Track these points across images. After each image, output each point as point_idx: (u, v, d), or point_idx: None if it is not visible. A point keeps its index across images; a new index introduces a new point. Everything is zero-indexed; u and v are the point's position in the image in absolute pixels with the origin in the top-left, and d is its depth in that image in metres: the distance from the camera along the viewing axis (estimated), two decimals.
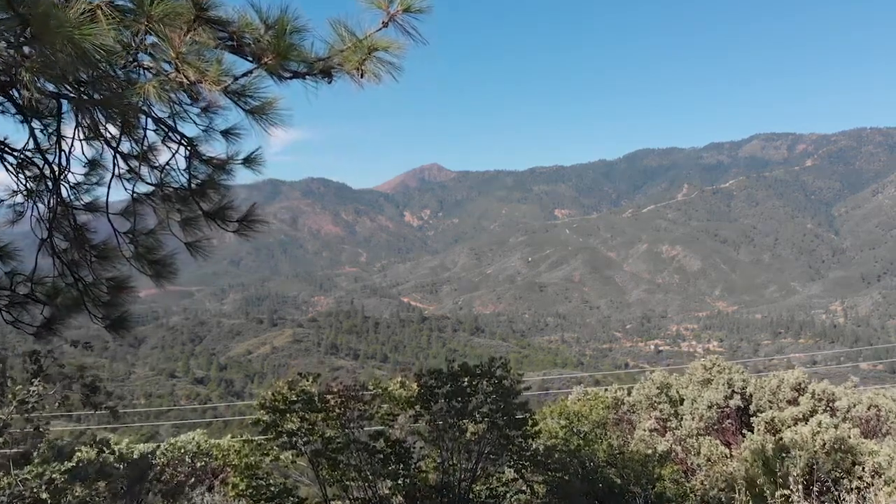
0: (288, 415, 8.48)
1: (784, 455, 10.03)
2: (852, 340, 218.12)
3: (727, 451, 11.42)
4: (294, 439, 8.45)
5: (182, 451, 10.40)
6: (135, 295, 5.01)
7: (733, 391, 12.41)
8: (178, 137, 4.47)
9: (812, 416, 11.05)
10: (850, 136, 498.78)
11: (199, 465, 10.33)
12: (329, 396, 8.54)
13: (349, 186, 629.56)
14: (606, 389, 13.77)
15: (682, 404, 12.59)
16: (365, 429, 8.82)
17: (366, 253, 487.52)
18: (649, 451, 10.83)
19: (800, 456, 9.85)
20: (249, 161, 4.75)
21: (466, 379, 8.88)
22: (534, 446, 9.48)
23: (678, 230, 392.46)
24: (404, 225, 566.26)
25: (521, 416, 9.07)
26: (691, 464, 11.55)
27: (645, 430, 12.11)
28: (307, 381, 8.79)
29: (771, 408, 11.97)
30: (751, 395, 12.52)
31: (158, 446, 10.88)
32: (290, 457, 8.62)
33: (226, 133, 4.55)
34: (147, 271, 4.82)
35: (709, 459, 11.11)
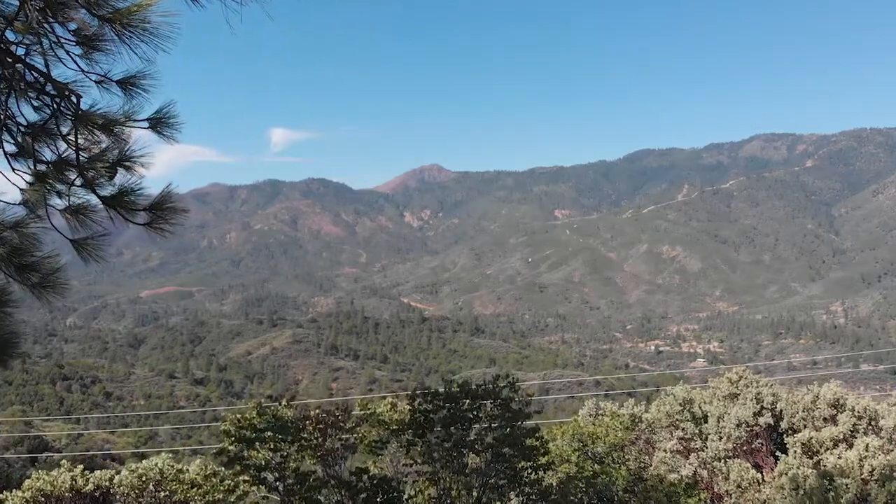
0: (257, 444, 7.21)
1: (828, 484, 8.80)
2: (853, 341, 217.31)
3: (759, 475, 10.20)
4: (264, 474, 7.17)
5: (143, 479, 9.17)
6: (13, 311, 3.69)
7: (762, 407, 11.12)
8: (55, 88, 3.14)
9: (853, 436, 9.83)
10: (851, 136, 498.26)
11: (162, 494, 9.09)
12: (305, 423, 7.27)
13: (349, 187, 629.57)
14: (622, 405, 12.51)
15: (706, 422, 11.35)
16: (348, 462, 7.55)
17: (366, 253, 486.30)
18: (672, 476, 9.63)
19: (846, 485, 8.63)
20: (158, 122, 3.41)
21: (467, 401, 7.59)
22: (546, 480, 8.22)
23: (678, 231, 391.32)
24: (404, 225, 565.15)
25: (531, 444, 7.78)
26: (719, 490, 10.32)
27: (666, 452, 10.87)
28: (279, 404, 7.51)
29: (806, 426, 10.73)
30: (781, 412, 11.24)
31: (119, 471, 9.64)
32: (262, 490, 7.35)
33: (125, 84, 3.18)
34: (17, 279, 3.47)
35: (739, 486, 9.87)
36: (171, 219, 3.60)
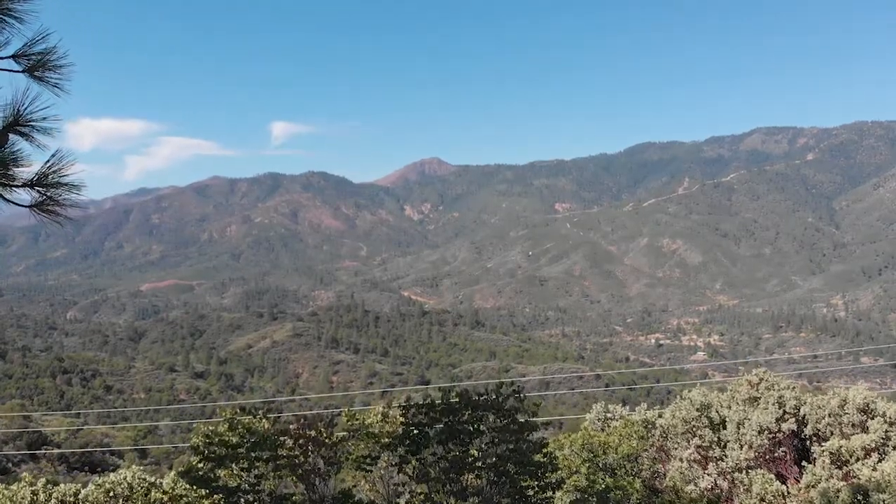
0: (229, 462, 6.33)
1: (862, 499, 7.97)
2: (853, 334, 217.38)
3: (783, 487, 9.35)
4: (237, 497, 6.28)
5: (111, 494, 8.35)
6: None
7: (785, 412, 10.28)
8: None
9: (886, 445, 9.00)
10: (851, 129, 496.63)
11: None
12: (284, 438, 6.40)
13: (349, 180, 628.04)
14: (633, 409, 11.64)
15: (724, 428, 10.52)
16: (332, 481, 6.67)
17: (366, 247, 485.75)
18: (689, 488, 8.81)
19: (884, 501, 7.79)
20: (35, 65, 2.48)
21: (467, 413, 6.67)
22: (556, 500, 7.35)
23: (679, 224, 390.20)
24: (404, 219, 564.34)
25: (538, 459, 6.89)
26: (740, 503, 9.52)
27: (683, 461, 10.04)
28: (254, 416, 6.62)
29: (833, 434, 9.89)
30: (804, 417, 10.39)
31: (85, 485, 8.82)
32: None
33: None
34: None
35: (762, 499, 9.01)
36: (64, 199, 2.71)
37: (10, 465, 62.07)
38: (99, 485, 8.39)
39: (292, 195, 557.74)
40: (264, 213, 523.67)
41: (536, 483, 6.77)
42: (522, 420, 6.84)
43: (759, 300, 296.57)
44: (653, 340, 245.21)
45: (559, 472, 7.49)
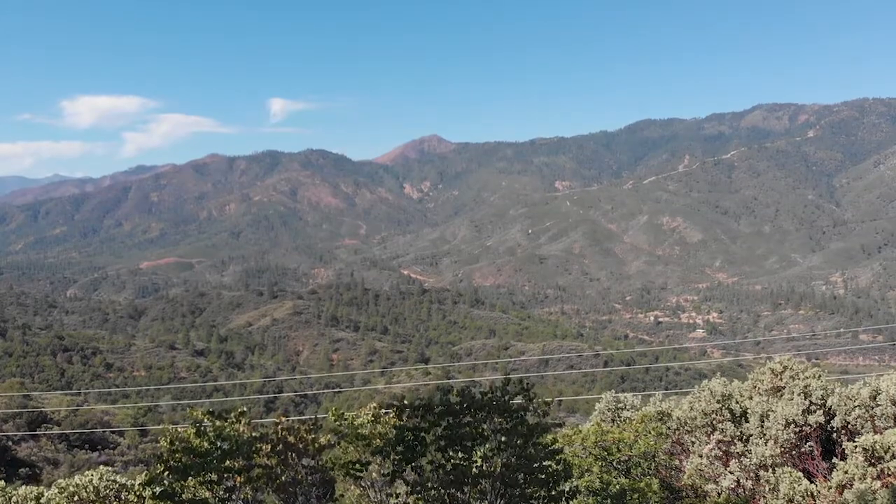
0: (195, 473, 5.52)
1: None
2: (852, 311, 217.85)
3: (813, 487, 8.55)
4: None
5: (75, 498, 7.59)
6: None
7: (811, 403, 9.47)
8: None
9: None
10: (853, 106, 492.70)
11: None
12: (260, 445, 5.60)
13: (348, 158, 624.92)
14: (647, 401, 10.82)
15: (747, 421, 9.73)
16: (313, 493, 5.87)
17: (365, 225, 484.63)
18: (710, 487, 8.06)
19: None
20: None
21: (469, 415, 5.85)
22: None
23: (679, 201, 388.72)
24: (404, 197, 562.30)
25: (549, 466, 6.08)
26: None
27: (703, 458, 9.29)
28: (226, 420, 5.80)
29: (864, 427, 9.10)
30: (832, 409, 9.58)
31: (49, 487, 8.06)
32: None
33: None
34: None
35: (790, 500, 8.24)
36: None
37: (10, 443, 61.59)
38: (62, 488, 7.62)
39: (291, 173, 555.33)
40: (263, 191, 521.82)
41: (547, 493, 5.98)
42: (532, 421, 6.08)
43: (758, 277, 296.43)
44: (652, 318, 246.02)
45: (572, 479, 6.73)
